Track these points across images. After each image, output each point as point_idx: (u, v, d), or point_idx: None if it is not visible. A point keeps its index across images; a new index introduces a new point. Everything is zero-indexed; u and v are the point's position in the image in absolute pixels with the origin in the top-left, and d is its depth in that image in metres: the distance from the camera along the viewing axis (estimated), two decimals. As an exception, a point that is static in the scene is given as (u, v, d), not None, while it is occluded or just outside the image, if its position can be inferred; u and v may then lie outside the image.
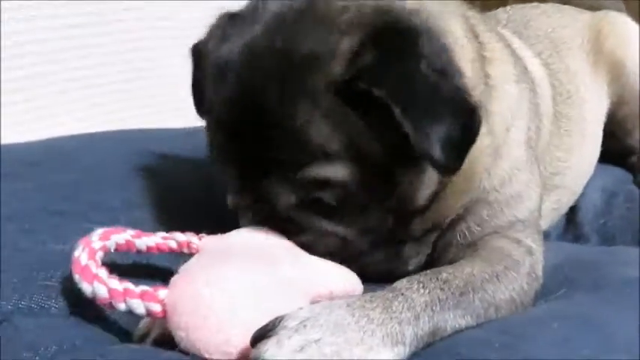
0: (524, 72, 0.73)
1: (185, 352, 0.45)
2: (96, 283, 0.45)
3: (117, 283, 0.46)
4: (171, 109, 1.27)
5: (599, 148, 1.01)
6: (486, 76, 0.64)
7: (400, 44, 0.54)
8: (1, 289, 0.50)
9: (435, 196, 0.61)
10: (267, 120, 0.55)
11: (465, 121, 0.53)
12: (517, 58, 0.73)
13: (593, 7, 1.12)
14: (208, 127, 0.61)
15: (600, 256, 0.76)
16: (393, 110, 0.51)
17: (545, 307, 0.59)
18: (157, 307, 0.46)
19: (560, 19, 1.01)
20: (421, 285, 0.52)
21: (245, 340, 0.44)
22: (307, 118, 0.54)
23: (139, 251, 0.53)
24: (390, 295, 0.50)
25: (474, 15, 0.70)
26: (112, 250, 0.51)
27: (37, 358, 0.44)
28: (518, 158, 0.67)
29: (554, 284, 0.64)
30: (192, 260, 0.52)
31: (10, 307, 0.48)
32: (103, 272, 0.46)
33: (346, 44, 0.54)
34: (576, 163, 0.91)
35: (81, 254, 0.47)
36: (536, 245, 0.65)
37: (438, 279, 0.53)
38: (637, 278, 0.62)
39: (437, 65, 0.54)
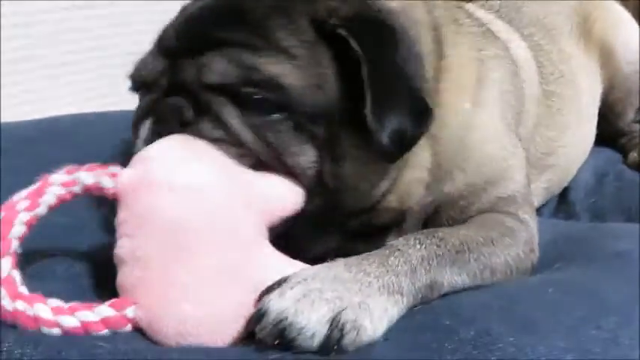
0: (497, 62, 0.72)
1: None
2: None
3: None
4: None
5: (594, 130, 1.02)
6: (437, 91, 0.63)
7: (383, 30, 0.56)
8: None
9: (370, 208, 0.59)
10: (235, 12, 0.54)
11: (418, 120, 0.54)
12: (486, 53, 0.71)
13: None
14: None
15: (591, 232, 0.77)
16: (362, 69, 0.52)
17: (541, 276, 0.61)
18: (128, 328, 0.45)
19: (551, 6, 1.02)
20: (417, 241, 0.53)
21: None
22: (279, 24, 0.54)
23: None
24: (387, 251, 0.52)
25: (442, 16, 0.69)
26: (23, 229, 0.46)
27: None
28: (484, 156, 0.65)
29: (548, 259, 0.65)
30: (136, 242, 0.46)
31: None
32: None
33: (335, 2, 0.56)
34: (570, 142, 0.92)
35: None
36: (530, 218, 0.66)
37: (434, 236, 0.55)
38: (627, 250, 0.64)
39: (408, 64, 0.56)
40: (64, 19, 1.21)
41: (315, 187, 0.55)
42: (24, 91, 1.15)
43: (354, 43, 0.53)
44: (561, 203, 0.98)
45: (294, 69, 0.53)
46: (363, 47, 0.53)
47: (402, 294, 0.49)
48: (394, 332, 0.47)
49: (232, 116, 0.53)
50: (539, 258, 0.64)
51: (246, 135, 0.53)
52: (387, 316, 0.47)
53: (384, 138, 0.52)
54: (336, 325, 0.44)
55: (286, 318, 0.43)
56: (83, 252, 0.56)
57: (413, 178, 0.61)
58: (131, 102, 1.22)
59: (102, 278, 0.51)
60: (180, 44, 0.55)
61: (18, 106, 1.11)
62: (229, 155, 0.52)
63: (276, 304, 0.44)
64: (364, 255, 0.51)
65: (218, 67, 0.52)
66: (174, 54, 0.55)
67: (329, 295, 0.45)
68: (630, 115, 1.07)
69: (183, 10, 0.59)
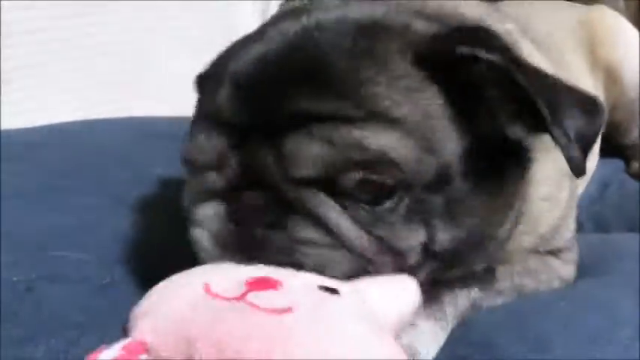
0: None
1: None
2: None
3: None
4: (165, 100, 1.28)
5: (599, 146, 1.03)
6: None
7: (492, 36, 0.46)
8: (17, 262, 0.50)
9: (486, 255, 0.51)
10: (311, 73, 0.43)
11: (591, 117, 0.44)
12: None
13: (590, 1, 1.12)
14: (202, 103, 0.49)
15: (600, 246, 0.76)
16: (518, 81, 0.41)
17: (551, 291, 0.61)
18: None
19: (553, 21, 0.99)
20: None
21: None
22: (373, 76, 0.43)
23: None
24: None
25: (517, 32, 0.64)
26: None
27: (64, 327, 0.44)
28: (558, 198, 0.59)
29: None
30: None
31: (34, 275, 0.48)
32: None
33: (422, 24, 0.47)
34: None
35: None
36: (572, 259, 0.64)
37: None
38: (635, 269, 0.63)
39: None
40: (66, 27, 1.21)
41: (423, 263, 0.46)
42: (25, 99, 1.15)
43: (488, 56, 0.42)
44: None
45: (403, 135, 0.42)
46: (498, 56, 0.42)
47: (447, 321, 0.49)
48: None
49: (334, 213, 0.42)
50: None
51: (354, 233, 0.42)
52: (437, 341, 0.48)
53: (574, 150, 0.41)
54: None
55: None
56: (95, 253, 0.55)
57: (540, 195, 0.54)
58: (133, 110, 1.23)
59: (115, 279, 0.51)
60: (248, 120, 0.43)
61: (20, 114, 1.11)
62: (325, 259, 0.42)
63: None
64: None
65: (307, 155, 0.41)
66: (240, 132, 0.44)
67: None
68: (635, 132, 1.08)
69: (237, 63, 0.46)
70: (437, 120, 0.44)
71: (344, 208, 0.42)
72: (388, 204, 0.42)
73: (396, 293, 0.43)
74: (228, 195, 0.44)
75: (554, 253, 0.62)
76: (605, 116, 0.54)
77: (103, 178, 0.67)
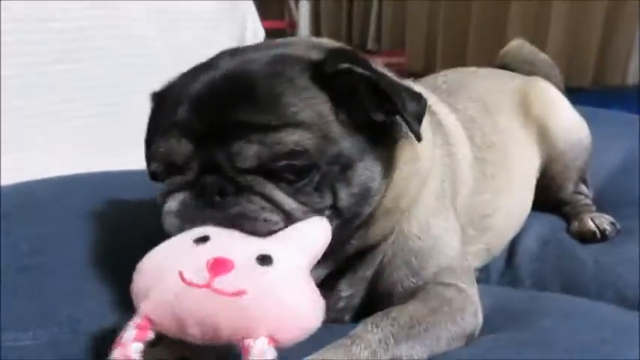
0: (437, 129, 0.85)
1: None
2: None
3: None
4: (141, 142, 1.32)
5: (531, 197, 1.11)
6: None
7: (361, 57, 0.68)
8: None
9: (371, 216, 0.69)
10: (245, 89, 0.62)
11: (421, 102, 0.68)
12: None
13: (530, 73, 1.24)
14: (161, 122, 0.66)
15: (527, 304, 0.84)
16: (379, 85, 0.63)
17: (470, 350, 0.68)
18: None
19: (493, 84, 1.13)
20: (374, 325, 0.62)
21: None
22: (283, 90, 0.62)
23: None
24: (349, 341, 0.59)
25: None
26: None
27: None
28: (430, 206, 0.77)
29: (490, 326, 0.73)
30: None
31: None
32: None
33: (316, 53, 0.68)
34: (506, 206, 1.01)
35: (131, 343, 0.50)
36: (467, 287, 0.75)
37: (388, 317, 0.63)
38: (551, 328, 0.71)
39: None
40: (41, 73, 1.24)
41: (333, 218, 0.65)
42: (4, 141, 1.17)
43: (359, 70, 0.64)
44: (507, 268, 1.06)
45: (306, 132, 0.61)
46: (363, 69, 0.64)
47: None
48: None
49: (272, 190, 0.61)
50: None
51: (285, 201, 0.61)
52: None
53: (415, 126, 0.65)
54: None
55: None
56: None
57: (405, 174, 0.72)
58: (111, 151, 1.26)
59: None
60: (204, 128, 0.61)
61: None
62: (268, 224, 0.60)
63: None
64: (330, 349, 0.59)
65: (249, 153, 0.60)
66: (200, 138, 0.61)
67: None
68: (570, 187, 1.16)
69: (189, 82, 0.65)
70: (328, 117, 0.64)
71: (277, 185, 0.61)
72: (305, 180, 0.62)
73: (310, 239, 0.61)
74: (192, 183, 0.61)
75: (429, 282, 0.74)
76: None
77: (69, 257, 0.71)
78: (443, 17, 3.17)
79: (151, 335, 0.51)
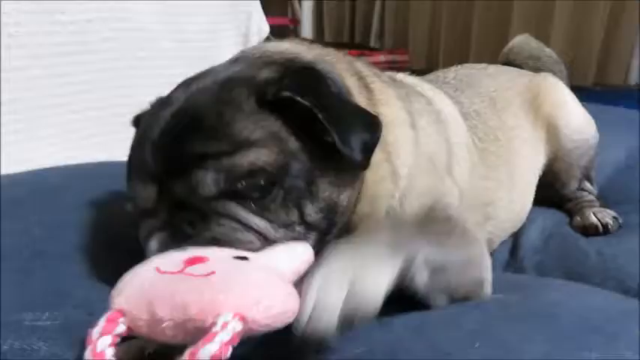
0: (425, 111, 0.85)
1: None
2: None
3: None
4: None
5: (533, 194, 1.13)
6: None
7: (308, 74, 0.68)
8: None
9: (350, 223, 0.70)
10: (197, 122, 0.63)
11: (373, 129, 0.66)
12: (413, 105, 0.84)
13: (535, 68, 1.25)
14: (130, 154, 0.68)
15: (533, 281, 0.86)
16: (318, 115, 0.62)
17: (473, 326, 0.65)
18: None
19: (503, 82, 1.14)
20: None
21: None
22: (232, 117, 0.63)
23: None
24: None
25: (363, 66, 0.83)
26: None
27: None
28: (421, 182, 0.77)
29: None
30: None
31: (5, 347, 0.53)
32: None
33: (265, 72, 0.67)
34: (505, 197, 1.02)
35: (100, 338, 0.49)
36: (473, 230, 0.76)
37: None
38: (560, 301, 0.71)
39: (342, 93, 0.69)
40: (49, 65, 1.25)
41: (307, 232, 0.65)
42: (8, 133, 1.18)
43: (300, 99, 0.63)
44: (511, 259, 1.08)
45: (261, 149, 0.62)
46: (307, 97, 0.63)
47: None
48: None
49: (238, 211, 0.62)
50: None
51: (257, 221, 0.62)
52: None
53: (357, 155, 0.63)
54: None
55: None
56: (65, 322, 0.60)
57: (374, 178, 0.72)
58: (114, 144, 1.26)
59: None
60: (163, 168, 0.63)
61: (2, 147, 1.15)
62: (238, 240, 0.61)
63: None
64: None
65: (209, 180, 0.61)
66: (160, 178, 0.63)
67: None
68: (573, 184, 1.18)
69: (151, 121, 0.67)
70: (281, 134, 0.64)
71: (243, 205, 0.62)
72: (269, 197, 0.63)
73: (291, 255, 0.62)
74: (164, 224, 0.62)
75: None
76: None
77: (83, 244, 0.72)
78: (446, 16, 3.18)
79: (121, 327, 0.51)
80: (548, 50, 1.31)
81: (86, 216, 0.79)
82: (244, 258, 0.56)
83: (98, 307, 0.56)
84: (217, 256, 0.56)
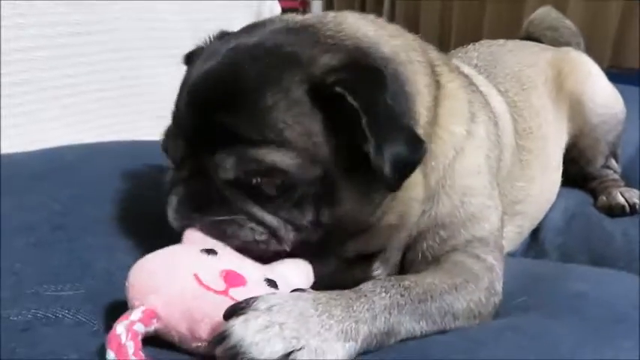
0: (483, 108, 0.81)
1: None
2: None
3: None
4: (161, 117, 1.31)
5: (560, 178, 1.10)
6: (435, 116, 0.71)
7: (371, 75, 0.62)
8: (18, 299, 0.54)
9: (370, 228, 0.66)
10: (236, 93, 0.60)
11: (413, 150, 0.61)
12: (475, 97, 0.80)
13: (553, 40, 1.21)
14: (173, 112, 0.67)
15: (555, 271, 0.84)
16: (361, 119, 0.58)
17: (502, 320, 0.66)
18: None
19: (525, 58, 1.10)
20: (383, 289, 0.58)
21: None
22: (274, 102, 0.59)
23: None
24: (354, 295, 0.56)
25: (437, 57, 0.77)
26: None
27: None
28: (468, 187, 0.73)
29: (515, 292, 0.71)
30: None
31: (29, 316, 0.52)
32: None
33: (327, 58, 0.62)
34: (537, 192, 1.00)
35: (122, 332, 0.48)
36: (496, 262, 0.71)
37: (400, 285, 0.60)
38: (585, 292, 0.71)
39: (398, 103, 0.63)
40: (61, 45, 1.24)
41: (316, 230, 0.63)
42: (20, 114, 1.17)
43: (350, 99, 0.58)
44: (532, 242, 1.06)
45: (289, 152, 0.59)
46: (358, 97, 0.58)
47: (356, 341, 0.53)
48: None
49: (252, 207, 0.60)
50: (506, 289, 0.70)
51: (269, 219, 0.61)
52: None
53: (387, 168, 0.58)
54: None
55: (242, 347, 0.48)
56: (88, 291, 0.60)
57: (409, 197, 0.68)
58: (129, 124, 1.26)
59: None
60: (196, 129, 0.62)
61: (14, 128, 1.14)
62: (258, 244, 0.61)
63: (239, 330, 0.49)
64: (334, 294, 0.56)
65: (227, 166, 0.60)
66: (192, 138, 0.62)
67: (288, 332, 0.49)
68: (600, 161, 1.15)
69: (195, 67, 0.65)
70: (317, 137, 0.60)
71: (256, 200, 0.61)
72: (285, 196, 0.60)
73: (297, 271, 0.62)
74: (186, 182, 0.63)
75: (459, 248, 0.71)
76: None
77: (101, 217, 0.71)
78: (456, 16, 3.14)
79: (154, 324, 0.51)
80: (567, 22, 1.28)
81: (103, 191, 0.78)
82: (273, 283, 0.57)
83: (119, 278, 0.56)
84: (253, 278, 0.56)
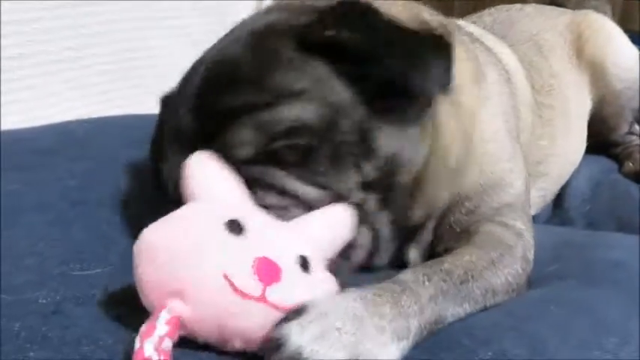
0: (494, 65, 0.77)
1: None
2: None
3: None
4: (162, 90, 1.28)
5: (585, 142, 1.08)
6: None
7: (356, 8, 0.58)
8: (45, 281, 0.52)
9: (421, 177, 0.62)
10: (232, 78, 0.55)
11: (442, 53, 0.56)
12: (482, 56, 0.76)
13: (578, 6, 1.18)
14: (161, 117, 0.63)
15: (587, 239, 0.82)
16: (371, 52, 0.53)
17: (541, 291, 0.64)
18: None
19: (542, 23, 1.07)
20: (426, 278, 0.54)
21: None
22: (270, 66, 0.55)
23: None
24: (398, 288, 0.52)
25: (430, 15, 0.73)
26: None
27: (98, 350, 0.45)
28: (488, 153, 0.70)
29: (543, 261, 0.69)
30: None
31: (58, 297, 0.50)
32: None
33: (304, 18, 0.59)
34: (560, 152, 0.97)
35: (152, 354, 0.42)
36: (525, 228, 0.69)
37: (441, 270, 0.57)
38: (622, 261, 0.69)
39: (394, 22, 0.58)
40: (61, 16, 1.20)
41: (365, 192, 0.57)
42: (21, 88, 1.14)
43: (346, 35, 0.54)
44: (557, 209, 1.04)
45: (305, 104, 0.54)
46: (354, 32, 0.54)
47: (408, 339, 0.50)
48: (413, 351, 0.50)
49: (284, 180, 0.54)
50: (537, 258, 0.68)
51: (308, 192, 0.54)
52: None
53: (434, 87, 0.55)
54: None
55: (301, 356, 0.43)
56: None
57: (444, 144, 0.64)
58: (130, 99, 1.22)
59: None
60: (198, 131, 0.55)
61: (15, 103, 1.11)
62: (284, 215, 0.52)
63: (296, 338, 0.44)
64: (375, 289, 0.51)
65: (244, 137, 0.53)
66: (196, 143, 0.55)
67: (346, 338, 0.45)
68: (624, 128, 1.13)
69: (183, 85, 0.61)
70: (328, 81, 0.55)
71: (287, 172, 0.54)
72: (316, 157, 0.54)
73: (333, 221, 0.55)
74: None
75: (490, 218, 0.68)
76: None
77: (117, 192, 0.69)
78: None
79: (180, 333, 0.45)
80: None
81: (117, 165, 0.75)
82: (306, 263, 0.50)
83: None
84: (285, 262, 0.48)
